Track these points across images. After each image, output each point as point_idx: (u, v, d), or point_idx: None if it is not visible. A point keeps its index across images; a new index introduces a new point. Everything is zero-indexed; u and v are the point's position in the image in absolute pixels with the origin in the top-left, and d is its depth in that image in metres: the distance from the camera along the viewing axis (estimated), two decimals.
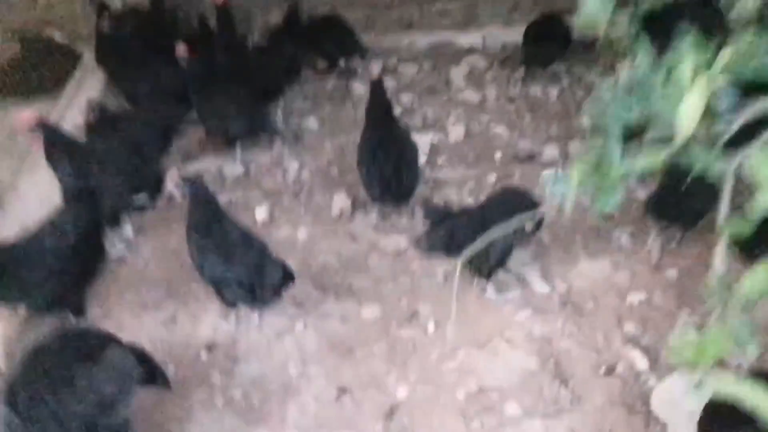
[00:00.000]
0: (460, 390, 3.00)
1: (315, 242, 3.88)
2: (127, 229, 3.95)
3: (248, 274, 3.00)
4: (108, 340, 2.53)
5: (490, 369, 3.08)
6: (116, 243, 3.86)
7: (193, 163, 4.51)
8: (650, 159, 1.75)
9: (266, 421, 2.97)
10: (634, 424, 2.78)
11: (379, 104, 3.64)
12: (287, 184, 4.34)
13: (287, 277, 3.06)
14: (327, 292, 3.56)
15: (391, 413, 2.95)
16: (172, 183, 3.04)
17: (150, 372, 2.70)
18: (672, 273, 3.46)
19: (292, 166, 4.45)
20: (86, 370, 2.37)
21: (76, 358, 2.46)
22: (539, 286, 3.46)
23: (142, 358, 2.42)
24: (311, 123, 4.88)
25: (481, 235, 3.11)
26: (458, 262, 3.16)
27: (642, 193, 4.01)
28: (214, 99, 4.21)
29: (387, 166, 3.55)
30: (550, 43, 4.92)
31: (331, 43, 5.15)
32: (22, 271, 2.84)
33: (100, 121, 3.85)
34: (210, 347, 3.30)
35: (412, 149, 3.69)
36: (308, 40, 5.10)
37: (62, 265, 2.95)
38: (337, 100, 5.16)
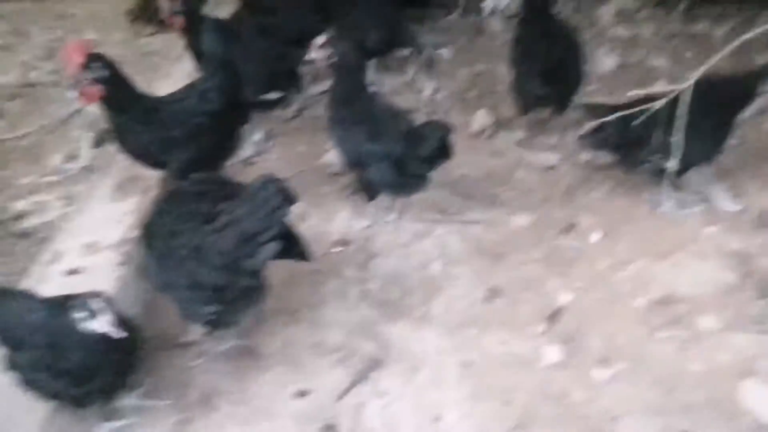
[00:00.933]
0: (638, 299, 2.54)
1: (455, 156, 3.53)
2: (257, 135, 3.78)
3: (398, 145, 2.68)
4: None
5: (676, 281, 2.59)
6: (245, 146, 3.69)
7: (318, 84, 4.32)
8: None
9: (407, 315, 2.63)
10: None
11: None
12: (422, 104, 4.04)
13: (444, 148, 2.69)
14: (470, 200, 3.21)
15: (553, 317, 2.52)
16: (317, 48, 2.77)
17: (290, 239, 2.41)
18: None
19: (427, 87, 4.15)
20: (228, 205, 2.12)
21: (215, 197, 2.23)
22: (727, 204, 2.93)
23: (290, 199, 2.12)
24: (445, 53, 4.58)
25: (667, 130, 2.69)
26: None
27: None
28: (353, 10, 3.99)
29: (546, 62, 3.13)
30: None
31: None
32: (166, 124, 2.69)
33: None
34: (343, 242, 3.02)
35: (575, 44, 3.27)
36: None
37: (203, 128, 2.78)
38: (471, 34, 4.83)
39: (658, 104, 2.39)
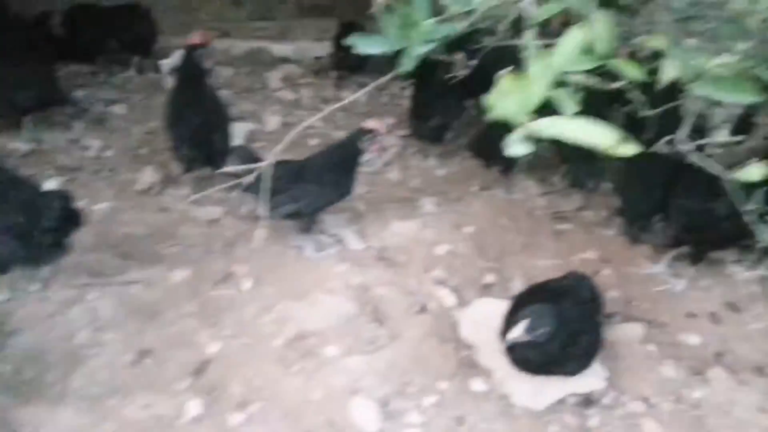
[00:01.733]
0: (277, 339, 2.62)
1: (117, 214, 3.26)
2: None
3: (19, 215, 2.31)
4: None
5: (309, 317, 2.74)
6: None
7: None
8: (450, 28, 1.68)
9: (42, 394, 2.27)
10: (446, 350, 2.64)
11: (190, 66, 3.21)
12: (87, 162, 3.65)
13: (71, 216, 2.41)
14: (130, 259, 2.97)
15: (200, 370, 2.44)
16: None
17: None
18: (469, 229, 3.50)
19: (94, 144, 3.77)
20: None
21: None
22: (355, 244, 3.26)
23: None
24: (118, 109, 4.25)
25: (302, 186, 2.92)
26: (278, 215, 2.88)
27: (442, 171, 4.10)
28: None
29: (196, 125, 3.11)
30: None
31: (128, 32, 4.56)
32: None
33: None
34: None
35: (222, 110, 3.30)
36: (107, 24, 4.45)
37: None
38: (148, 91, 4.59)
39: (256, 173, 2.52)
